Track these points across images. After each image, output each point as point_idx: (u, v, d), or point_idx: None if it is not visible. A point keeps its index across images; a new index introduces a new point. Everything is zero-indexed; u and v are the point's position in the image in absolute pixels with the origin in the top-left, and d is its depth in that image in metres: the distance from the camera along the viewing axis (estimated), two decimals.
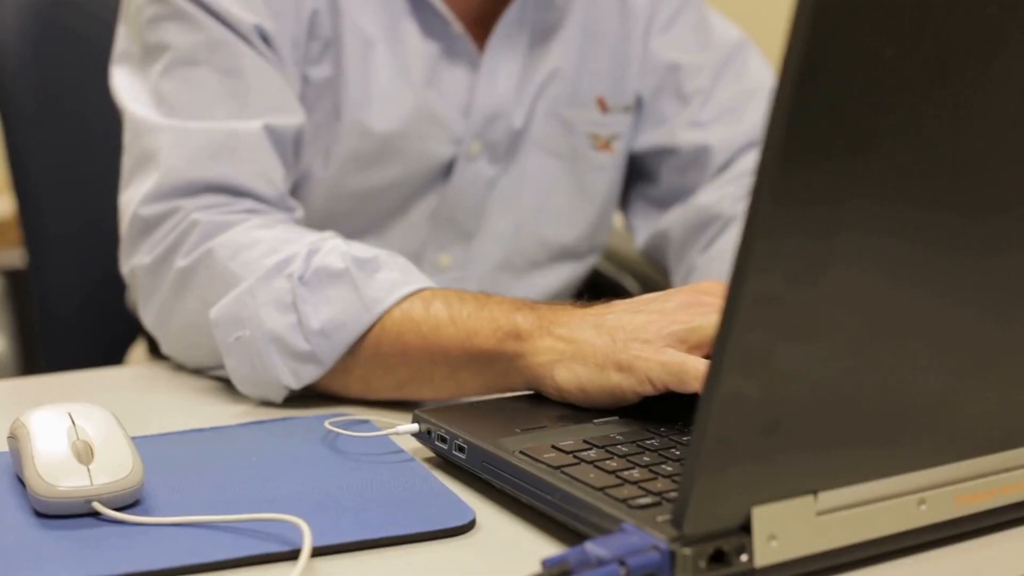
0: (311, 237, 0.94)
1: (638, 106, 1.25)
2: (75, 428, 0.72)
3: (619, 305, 0.85)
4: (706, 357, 0.78)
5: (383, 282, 0.90)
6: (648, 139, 1.26)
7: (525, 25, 1.17)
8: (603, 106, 1.22)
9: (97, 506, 0.69)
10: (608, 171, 1.25)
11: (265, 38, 1.04)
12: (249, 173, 0.99)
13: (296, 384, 0.90)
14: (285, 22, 1.06)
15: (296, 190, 1.12)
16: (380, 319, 0.89)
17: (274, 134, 1.02)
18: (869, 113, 0.57)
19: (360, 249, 0.92)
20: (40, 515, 0.69)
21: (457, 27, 1.13)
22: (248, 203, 0.99)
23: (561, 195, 1.23)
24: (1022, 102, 0.62)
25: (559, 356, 0.82)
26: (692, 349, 0.79)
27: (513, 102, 1.17)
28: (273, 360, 0.89)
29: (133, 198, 0.99)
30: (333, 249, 0.91)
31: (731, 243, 1.16)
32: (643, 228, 1.29)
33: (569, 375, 0.82)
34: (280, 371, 0.89)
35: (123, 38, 1.08)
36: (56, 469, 0.70)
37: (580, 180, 1.24)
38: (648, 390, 0.79)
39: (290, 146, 1.04)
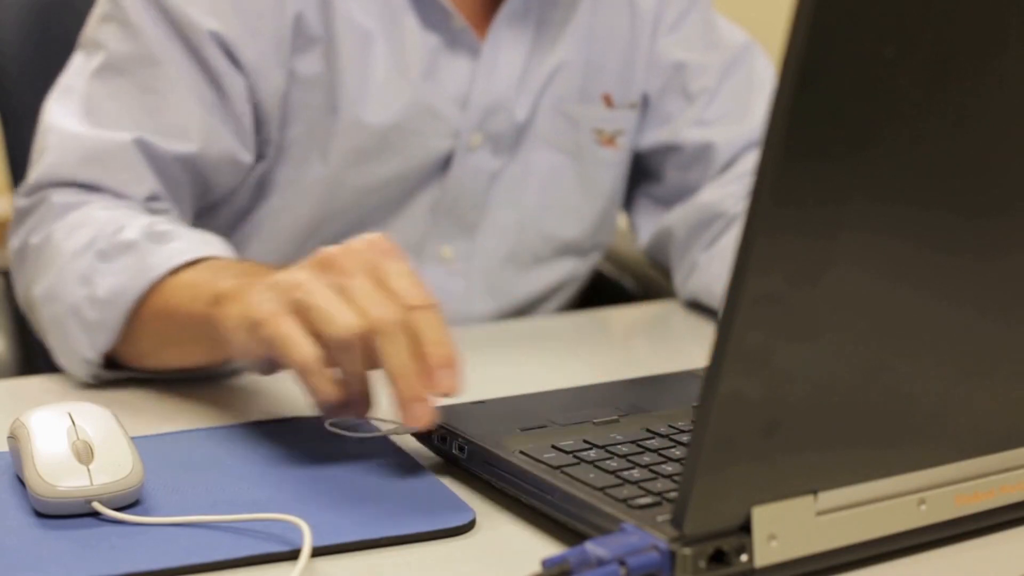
0: (146, 217, 0.97)
1: (644, 105, 1.25)
2: (75, 428, 0.72)
3: (315, 257, 0.78)
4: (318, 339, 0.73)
5: (168, 251, 0.92)
6: (653, 137, 1.26)
7: (529, 18, 1.17)
8: (609, 102, 1.22)
9: (97, 506, 0.69)
10: (612, 167, 1.25)
11: (224, 44, 1.06)
12: (115, 180, 1.03)
13: (92, 353, 0.92)
14: (262, 22, 1.07)
15: (293, 187, 1.13)
16: (154, 285, 0.91)
17: (149, 150, 1.04)
18: (869, 113, 0.57)
19: (167, 224, 0.95)
20: (40, 515, 0.69)
21: (459, 20, 1.13)
22: (108, 197, 1.02)
23: (565, 190, 1.23)
24: (1022, 102, 0.62)
25: (235, 321, 0.79)
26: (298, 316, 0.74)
27: (515, 94, 1.17)
28: (74, 332, 0.92)
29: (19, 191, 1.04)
30: (137, 224, 0.94)
31: (733, 241, 1.16)
32: (646, 226, 1.30)
33: (234, 339, 0.79)
34: (79, 342, 0.92)
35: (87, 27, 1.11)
36: (56, 469, 0.70)
37: (584, 175, 1.24)
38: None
39: (175, 168, 1.06)
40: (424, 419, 0.72)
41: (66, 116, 1.05)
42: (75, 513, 0.69)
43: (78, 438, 0.71)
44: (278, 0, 1.08)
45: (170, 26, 1.05)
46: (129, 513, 0.69)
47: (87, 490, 0.69)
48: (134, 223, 0.95)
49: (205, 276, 0.89)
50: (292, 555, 0.65)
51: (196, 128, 1.06)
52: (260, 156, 1.13)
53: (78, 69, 1.07)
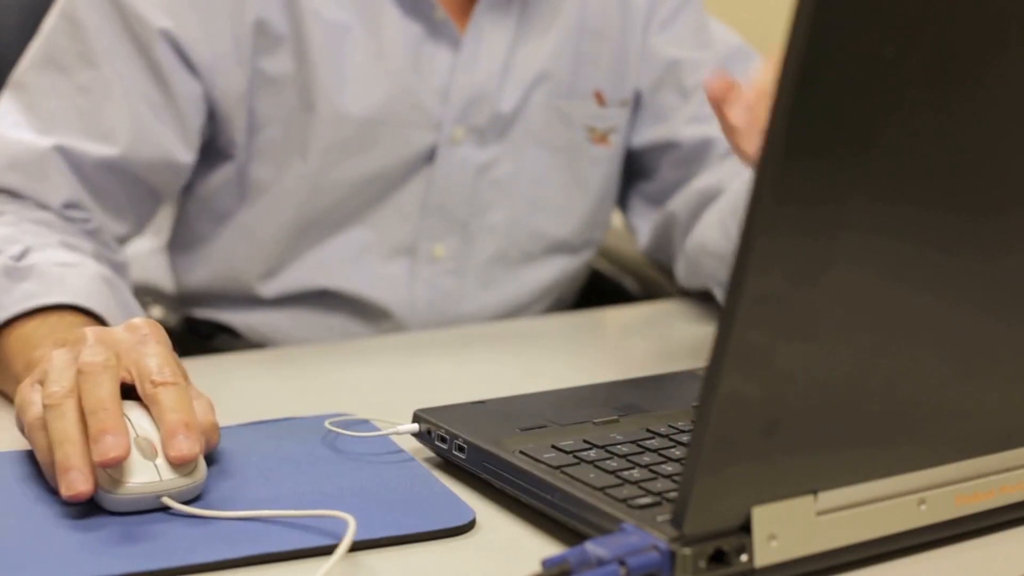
0: (25, 243, 0.96)
1: (636, 102, 1.25)
2: (132, 425, 0.71)
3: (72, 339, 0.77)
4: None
5: (19, 292, 0.91)
6: (648, 135, 1.26)
7: (512, 8, 1.17)
8: (600, 100, 1.22)
9: (167, 501, 0.69)
10: (604, 164, 1.25)
11: (175, 43, 1.06)
12: (33, 189, 1.03)
13: None
14: (219, 22, 1.07)
15: (275, 188, 1.13)
16: (2, 327, 0.90)
17: (70, 157, 1.04)
18: (869, 113, 0.57)
19: (36, 257, 0.94)
20: (102, 511, 0.69)
21: (441, 12, 1.13)
22: (25, 205, 1.03)
23: (556, 187, 1.23)
24: (1022, 102, 0.62)
25: (15, 400, 0.78)
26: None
27: (497, 86, 1.17)
28: None
29: None
30: (5, 255, 0.94)
31: (727, 201, 1.15)
32: (644, 225, 1.29)
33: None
34: None
35: None
36: (124, 465, 0.69)
37: (575, 173, 1.24)
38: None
39: (99, 173, 1.06)
40: (75, 488, 0.68)
41: (7, 114, 1.06)
42: (144, 509, 0.69)
43: (138, 435, 0.71)
44: (238, 1, 1.08)
45: (120, 23, 1.06)
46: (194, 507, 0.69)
47: (157, 485, 0.69)
48: (9, 250, 0.95)
49: (42, 331, 0.88)
50: (325, 550, 0.66)
51: (126, 131, 1.06)
52: (227, 156, 1.14)
53: (30, 60, 1.07)
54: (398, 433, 0.80)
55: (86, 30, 1.06)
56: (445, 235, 1.19)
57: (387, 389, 0.98)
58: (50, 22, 1.07)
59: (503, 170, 1.20)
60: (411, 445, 0.81)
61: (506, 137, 1.19)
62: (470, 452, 0.75)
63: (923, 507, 0.67)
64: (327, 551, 0.66)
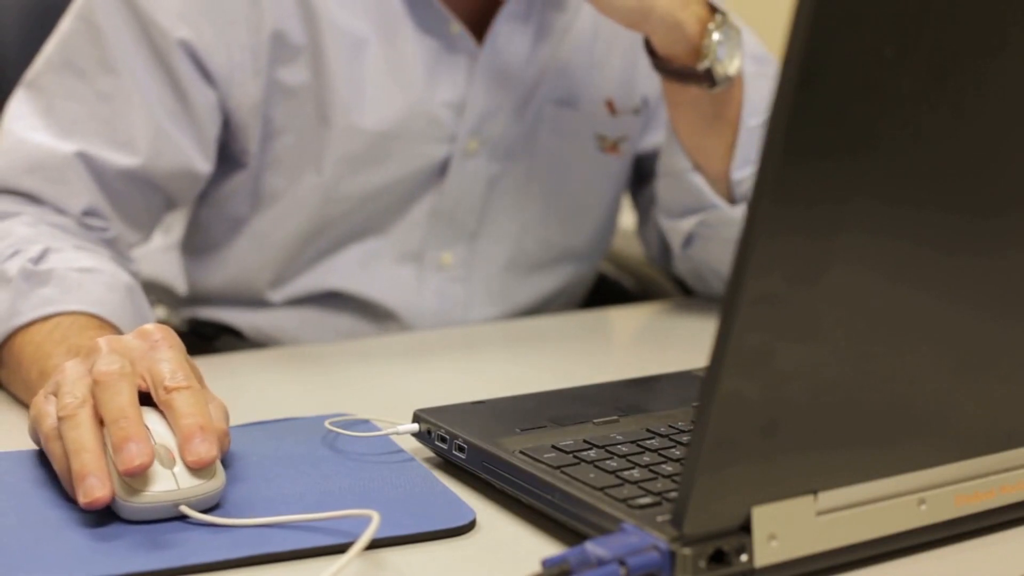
0: (44, 243, 0.96)
1: (644, 107, 1.25)
2: (150, 432, 0.70)
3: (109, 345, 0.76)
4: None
5: (35, 299, 0.91)
6: (651, 140, 1.26)
7: (530, 20, 1.16)
8: (612, 108, 1.22)
9: (185, 509, 0.68)
10: (614, 172, 1.25)
11: (193, 53, 1.05)
12: (53, 193, 1.03)
13: None
14: (236, 31, 1.07)
15: (288, 197, 1.13)
16: (17, 330, 0.90)
17: (92, 164, 1.04)
18: (869, 113, 0.57)
19: (55, 260, 0.94)
20: (118, 519, 0.69)
21: (456, 26, 1.12)
22: (44, 209, 1.02)
23: (567, 196, 1.23)
24: (1022, 102, 0.62)
25: (30, 412, 0.79)
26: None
27: (512, 99, 1.16)
28: None
29: None
30: (24, 257, 0.94)
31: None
32: (650, 233, 1.29)
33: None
34: None
35: None
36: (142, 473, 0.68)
37: (586, 182, 1.23)
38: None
39: (120, 182, 1.06)
40: (92, 494, 0.67)
41: (23, 117, 1.05)
42: (161, 518, 0.68)
43: (156, 442, 0.70)
44: (255, 11, 1.07)
45: (139, 31, 1.05)
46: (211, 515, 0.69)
47: (175, 494, 0.68)
48: (28, 251, 0.95)
49: (55, 337, 0.88)
50: (334, 549, 0.66)
51: (146, 140, 1.05)
52: (240, 165, 1.13)
53: (47, 62, 1.06)
54: (398, 433, 0.80)
55: (105, 35, 1.05)
56: (453, 243, 1.19)
57: (387, 389, 0.98)
58: (66, 24, 1.06)
59: (514, 181, 1.19)
60: (411, 445, 0.81)
61: (518, 148, 1.18)
62: (470, 452, 0.75)
63: (923, 507, 0.67)
64: (337, 550, 0.66)
